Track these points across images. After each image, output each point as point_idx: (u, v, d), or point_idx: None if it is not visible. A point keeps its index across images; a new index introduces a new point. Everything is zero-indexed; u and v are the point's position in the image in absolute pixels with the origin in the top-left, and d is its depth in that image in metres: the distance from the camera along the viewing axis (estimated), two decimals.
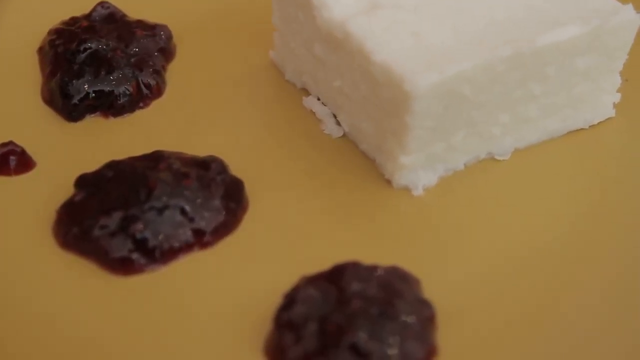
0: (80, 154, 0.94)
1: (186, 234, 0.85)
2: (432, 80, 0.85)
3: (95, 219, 0.85)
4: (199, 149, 0.92)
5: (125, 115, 0.98)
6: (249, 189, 0.90)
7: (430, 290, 0.82)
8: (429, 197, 0.91)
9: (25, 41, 1.05)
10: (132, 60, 0.99)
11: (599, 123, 0.97)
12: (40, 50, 1.03)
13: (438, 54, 0.87)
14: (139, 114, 0.98)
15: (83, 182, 0.89)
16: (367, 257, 0.83)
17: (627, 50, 0.94)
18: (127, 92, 0.97)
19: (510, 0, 0.92)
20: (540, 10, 0.92)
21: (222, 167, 0.90)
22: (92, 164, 0.90)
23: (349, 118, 0.95)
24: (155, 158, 0.90)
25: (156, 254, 0.84)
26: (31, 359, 0.79)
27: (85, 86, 0.97)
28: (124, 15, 1.06)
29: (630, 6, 0.92)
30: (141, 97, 0.98)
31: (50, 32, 1.03)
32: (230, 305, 0.82)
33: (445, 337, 0.80)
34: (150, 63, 1.00)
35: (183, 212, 0.85)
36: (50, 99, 0.98)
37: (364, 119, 0.92)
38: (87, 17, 1.05)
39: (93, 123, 0.97)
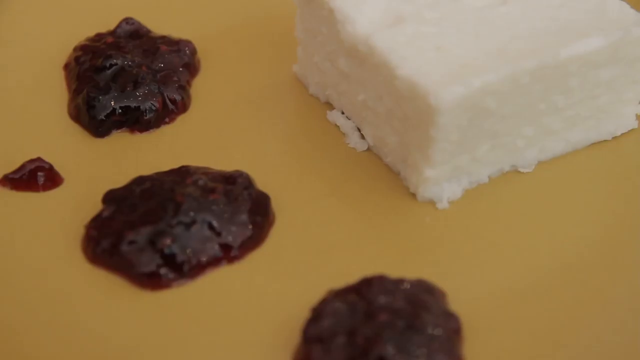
0: (107, 169, 0.94)
1: (214, 249, 0.86)
2: (456, 93, 0.85)
3: (123, 234, 0.86)
4: (225, 164, 0.93)
5: (151, 130, 0.98)
6: (275, 203, 0.91)
7: (456, 303, 0.82)
8: (454, 209, 0.91)
9: (51, 58, 1.05)
10: (158, 75, 1.00)
11: (621, 134, 0.98)
12: (66, 66, 1.04)
13: (462, 67, 0.87)
14: (164, 129, 0.99)
15: (111, 197, 0.89)
16: (393, 270, 0.83)
17: None
18: (153, 108, 0.98)
19: (533, 12, 0.93)
20: (562, 22, 0.92)
21: (249, 182, 0.91)
22: (119, 180, 0.91)
23: (373, 132, 0.95)
24: (182, 173, 0.90)
25: (184, 269, 0.85)
26: None
27: (111, 102, 0.97)
28: (149, 31, 1.07)
29: None
30: (167, 113, 0.99)
31: (75, 49, 1.04)
32: (258, 319, 0.83)
33: (472, 350, 0.80)
34: (175, 78, 1.01)
35: (210, 226, 0.86)
36: (77, 115, 0.99)
37: (388, 133, 0.93)
38: (112, 33, 1.05)
39: (120, 139, 0.98)
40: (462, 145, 0.89)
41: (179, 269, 0.85)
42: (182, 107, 1.00)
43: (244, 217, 0.88)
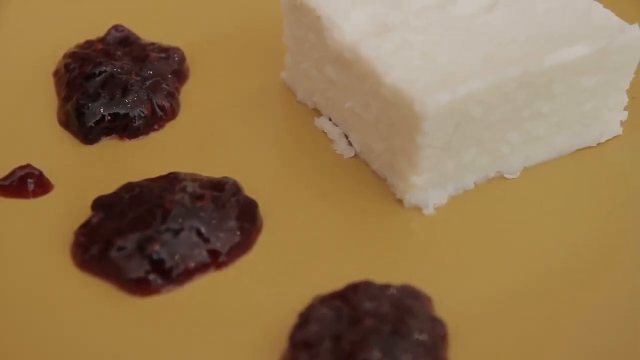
0: (96, 176, 0.95)
1: (202, 255, 0.86)
2: (442, 100, 0.86)
3: (112, 240, 0.86)
4: (214, 170, 0.93)
5: (140, 137, 0.99)
6: (263, 209, 0.91)
7: (442, 308, 0.83)
8: (440, 215, 0.92)
9: (41, 64, 1.06)
10: (147, 82, 1.00)
11: (606, 141, 0.98)
12: (56, 73, 1.04)
13: (448, 75, 0.88)
14: (153, 136, 0.99)
15: (100, 204, 0.90)
16: (380, 276, 0.84)
17: (634, 69, 0.95)
18: (142, 115, 0.99)
19: (519, 20, 0.94)
20: (548, 30, 0.93)
21: (237, 188, 0.91)
22: (108, 186, 0.91)
23: (360, 138, 0.96)
24: (171, 180, 0.91)
25: (172, 275, 0.85)
26: None
27: (100, 109, 0.98)
28: (138, 38, 1.07)
29: (636, 25, 0.93)
30: (156, 119, 0.99)
31: (65, 56, 1.05)
32: (245, 325, 0.83)
33: (457, 355, 0.80)
34: (164, 85, 1.01)
35: (199, 233, 0.87)
36: (66, 122, 0.99)
37: (375, 139, 0.93)
38: (102, 40, 1.06)
39: (109, 145, 0.98)
40: (448, 151, 0.90)
41: (168, 274, 0.85)
42: (171, 113, 1.01)
43: (232, 223, 0.88)
